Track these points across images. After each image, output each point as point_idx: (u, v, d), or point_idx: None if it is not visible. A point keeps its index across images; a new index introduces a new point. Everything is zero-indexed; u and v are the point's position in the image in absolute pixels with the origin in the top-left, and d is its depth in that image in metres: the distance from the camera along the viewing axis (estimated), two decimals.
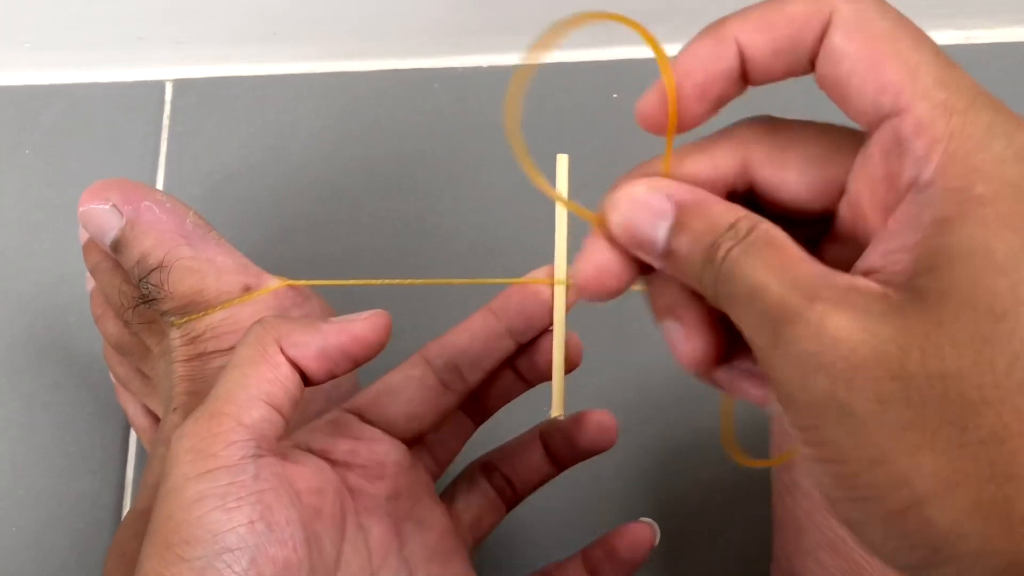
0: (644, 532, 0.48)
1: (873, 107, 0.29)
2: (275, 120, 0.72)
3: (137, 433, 0.60)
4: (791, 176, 0.32)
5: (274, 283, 0.51)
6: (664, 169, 0.34)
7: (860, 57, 0.29)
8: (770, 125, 0.34)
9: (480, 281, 0.48)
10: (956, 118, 0.28)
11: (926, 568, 0.28)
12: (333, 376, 0.41)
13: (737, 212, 0.31)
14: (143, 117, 0.73)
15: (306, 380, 0.40)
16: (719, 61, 0.32)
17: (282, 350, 0.39)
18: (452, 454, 0.48)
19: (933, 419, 0.26)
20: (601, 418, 0.47)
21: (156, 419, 0.57)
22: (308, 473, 0.40)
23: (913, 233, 0.28)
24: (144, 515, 0.38)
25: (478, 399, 0.47)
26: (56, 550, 0.63)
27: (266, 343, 0.39)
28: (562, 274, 0.44)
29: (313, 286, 0.53)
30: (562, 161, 0.44)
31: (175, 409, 0.50)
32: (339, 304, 0.55)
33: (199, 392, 0.49)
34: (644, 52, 0.71)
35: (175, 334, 0.50)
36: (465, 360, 0.43)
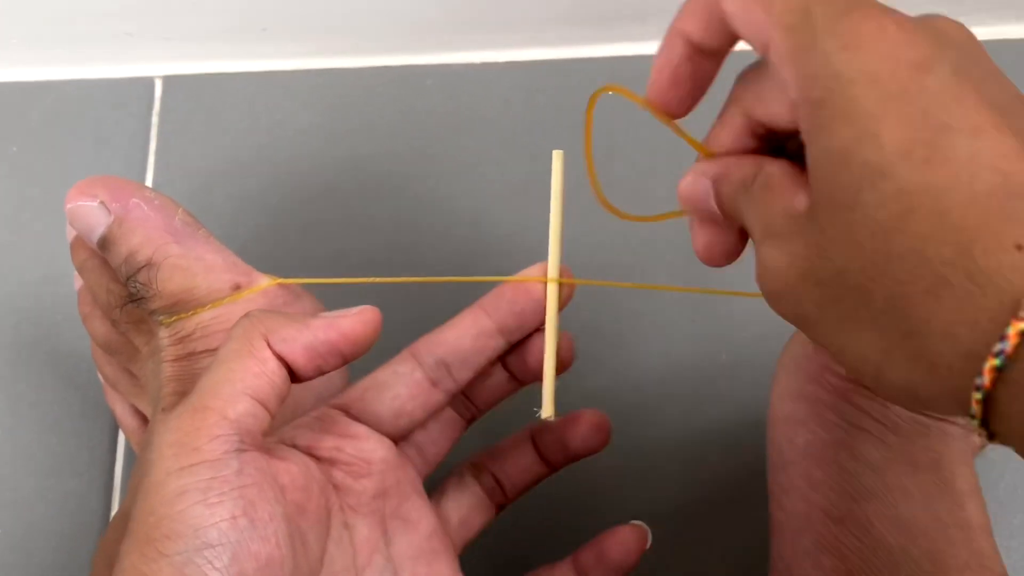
0: (636, 535, 0.48)
1: (760, 47, 0.34)
2: (265, 117, 0.72)
3: (125, 434, 0.59)
4: (774, 108, 0.35)
5: (264, 281, 0.50)
6: (702, 151, 0.40)
7: (738, 10, 0.34)
8: (751, 72, 0.37)
9: (472, 279, 0.48)
10: (796, 35, 0.31)
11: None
12: (321, 372, 0.40)
13: (743, 166, 0.37)
14: (132, 114, 0.73)
15: (294, 376, 0.40)
16: (673, 49, 0.37)
17: (269, 345, 0.39)
18: (442, 453, 0.47)
19: (851, 307, 0.31)
20: (594, 418, 0.47)
21: (144, 420, 0.57)
22: (293, 469, 0.39)
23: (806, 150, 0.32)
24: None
25: (469, 398, 0.47)
26: (42, 552, 0.62)
27: (253, 337, 0.39)
28: (555, 272, 0.43)
29: (304, 284, 0.52)
30: (557, 158, 0.44)
31: (164, 409, 0.49)
32: (330, 302, 0.54)
33: (188, 392, 0.49)
34: (639, 49, 0.71)
35: (164, 333, 0.49)
36: (454, 358, 0.43)
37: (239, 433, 0.37)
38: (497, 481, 0.48)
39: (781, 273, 0.33)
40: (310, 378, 0.40)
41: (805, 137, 0.32)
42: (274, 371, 0.38)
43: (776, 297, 0.34)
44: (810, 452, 0.48)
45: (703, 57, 0.37)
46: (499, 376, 0.46)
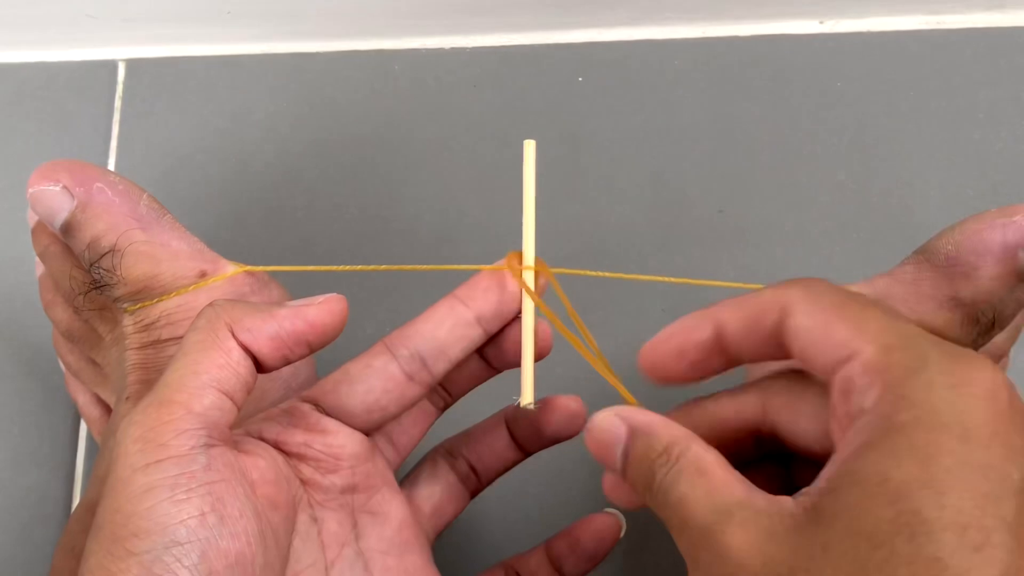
0: (609, 523, 0.48)
1: (832, 361, 0.33)
2: (230, 101, 0.71)
3: (87, 424, 0.59)
4: (803, 424, 0.36)
5: (231, 269, 0.50)
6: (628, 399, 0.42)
7: (815, 326, 0.34)
8: (790, 378, 0.38)
9: (446, 267, 0.48)
10: (896, 353, 0.32)
11: None
12: (287, 362, 0.40)
13: (672, 433, 0.36)
14: (95, 98, 0.72)
15: (259, 366, 0.39)
16: (696, 331, 0.38)
17: (234, 335, 0.38)
18: (413, 442, 0.47)
19: None
20: (569, 404, 0.46)
21: (107, 409, 0.56)
22: (262, 464, 0.39)
23: (841, 456, 0.32)
24: (95, 508, 0.36)
25: (442, 385, 0.47)
26: (3, 544, 0.62)
27: (217, 328, 0.38)
28: (530, 260, 0.43)
29: (271, 272, 0.52)
30: (529, 147, 0.44)
31: (127, 398, 0.49)
32: (298, 291, 0.53)
33: (152, 381, 0.48)
34: (609, 35, 0.70)
35: (128, 321, 0.49)
36: (430, 350, 0.42)
37: (206, 427, 0.36)
38: (471, 467, 0.47)
39: (744, 572, 0.31)
40: (276, 368, 0.40)
41: (850, 451, 0.31)
42: (239, 362, 0.38)
43: None
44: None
45: (722, 354, 0.38)
46: (473, 363, 0.46)
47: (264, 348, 0.38)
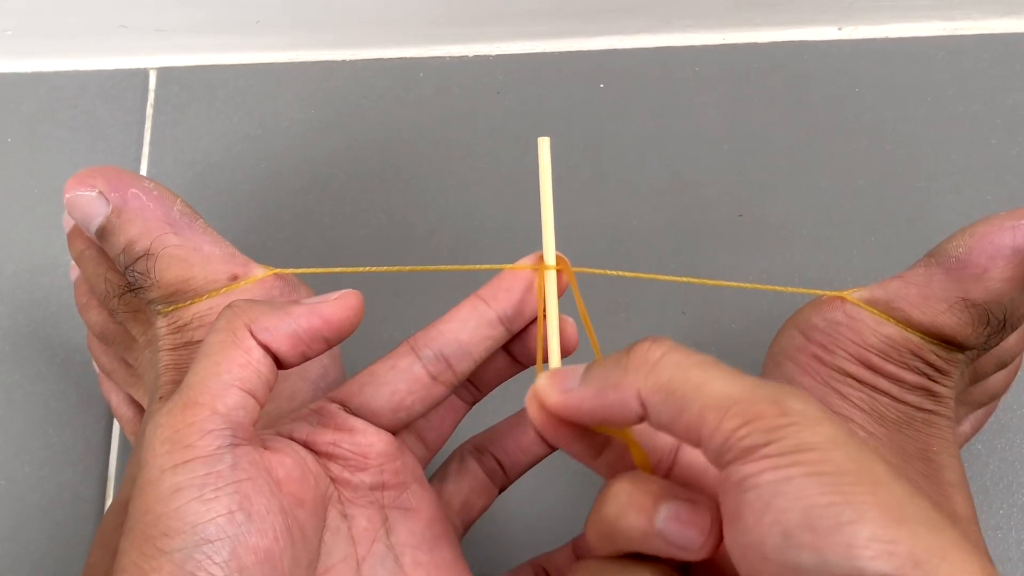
0: None
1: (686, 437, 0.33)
2: (259, 109, 0.72)
3: (120, 424, 0.59)
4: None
5: (261, 272, 0.50)
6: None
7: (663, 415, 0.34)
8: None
9: (468, 268, 0.48)
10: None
11: None
12: (306, 359, 0.40)
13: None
14: (127, 105, 0.73)
15: (279, 363, 0.40)
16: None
17: (253, 334, 0.39)
18: (443, 438, 0.47)
19: None
20: None
21: (140, 409, 0.57)
22: (288, 461, 0.39)
23: None
24: (128, 506, 0.37)
25: (470, 381, 0.47)
26: (38, 542, 0.62)
27: (236, 328, 0.39)
28: (551, 256, 0.43)
29: (300, 274, 0.53)
30: (543, 144, 0.44)
31: (160, 399, 0.49)
32: (325, 291, 0.54)
33: None
34: (629, 42, 0.71)
35: (161, 323, 0.50)
36: (453, 349, 0.43)
37: (231, 427, 0.37)
38: (498, 462, 0.48)
39: None
40: (295, 365, 0.40)
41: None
42: (260, 360, 0.38)
43: None
44: None
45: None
46: (501, 360, 0.46)
47: (283, 346, 0.39)
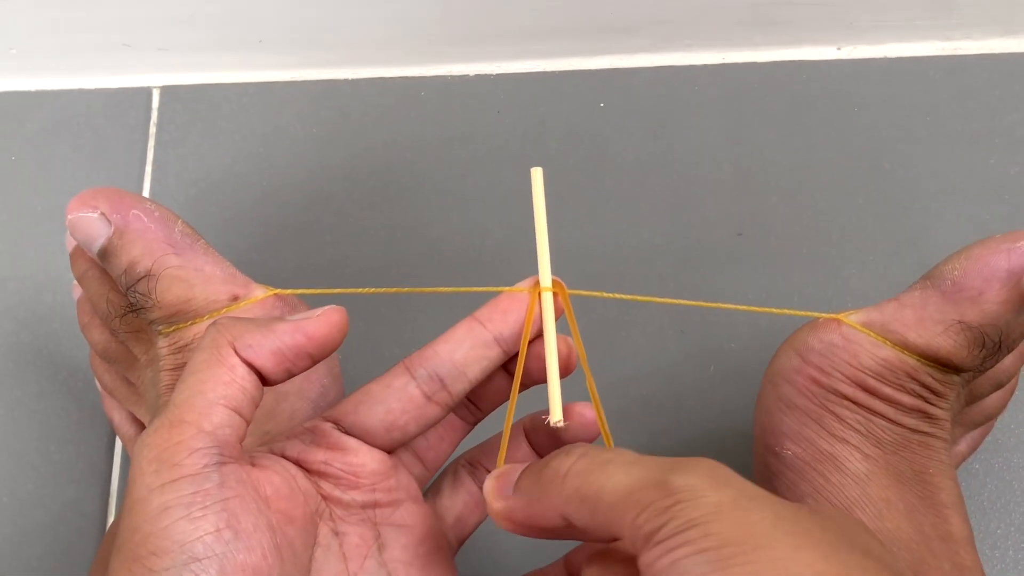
0: None
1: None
2: (261, 127, 0.72)
3: (123, 442, 0.60)
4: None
5: (261, 293, 0.50)
6: None
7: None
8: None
9: (466, 290, 0.48)
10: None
11: None
12: (291, 375, 0.40)
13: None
14: (130, 124, 0.73)
15: (264, 380, 0.40)
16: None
17: (237, 351, 0.39)
18: (442, 458, 0.48)
19: None
20: (584, 412, 0.46)
21: (142, 427, 0.57)
22: (276, 479, 0.40)
23: None
24: None
25: (470, 401, 0.47)
26: (40, 559, 0.62)
27: (220, 346, 0.39)
28: (547, 281, 0.44)
29: (300, 295, 0.53)
30: (536, 174, 0.45)
31: None
32: None
33: None
34: (630, 62, 0.71)
35: (162, 343, 0.50)
36: (448, 370, 0.43)
37: (218, 445, 0.37)
38: None
39: None
40: (281, 381, 0.40)
41: None
42: (244, 377, 0.39)
43: None
44: (795, 464, 0.49)
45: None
46: (500, 380, 0.46)
47: (267, 363, 0.39)
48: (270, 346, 0.39)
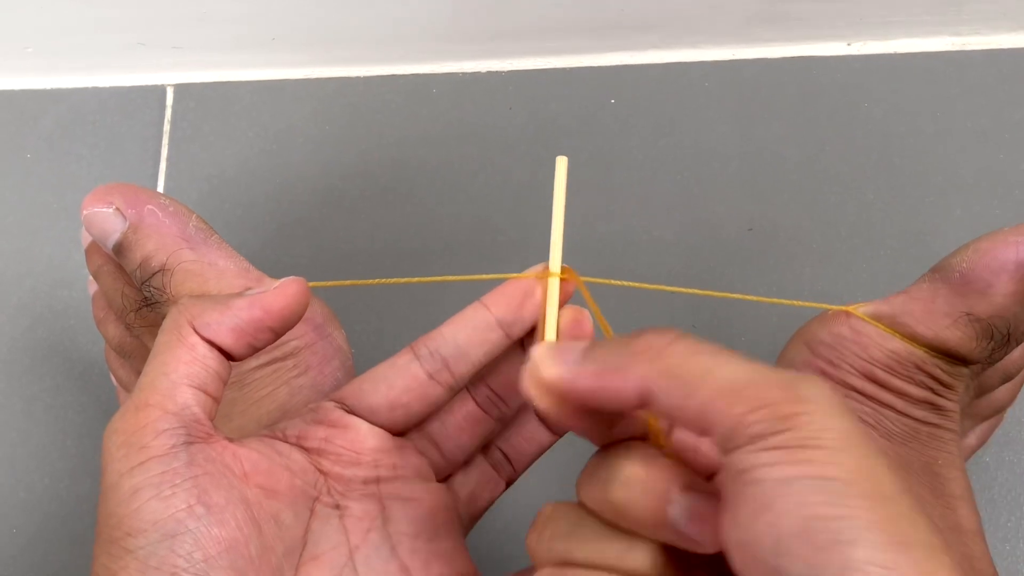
0: None
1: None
2: (274, 124, 0.73)
3: None
4: None
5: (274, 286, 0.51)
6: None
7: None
8: None
9: (475, 277, 0.48)
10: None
11: None
12: (255, 349, 0.40)
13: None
14: (144, 122, 0.74)
15: (229, 356, 0.40)
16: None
17: (196, 331, 0.39)
18: (462, 450, 0.46)
19: None
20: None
21: None
22: (253, 455, 0.40)
23: None
24: None
25: (497, 394, 0.46)
26: (56, 553, 0.63)
27: (180, 326, 0.39)
28: (556, 267, 0.44)
29: (313, 288, 0.53)
30: (561, 164, 0.44)
31: None
32: (340, 306, 0.55)
33: None
34: (640, 58, 0.72)
35: None
36: (450, 350, 0.43)
37: (184, 425, 0.37)
38: (503, 454, 0.47)
39: None
40: (246, 356, 0.40)
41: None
42: (206, 356, 0.39)
43: None
44: None
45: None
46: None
47: (227, 339, 0.39)
48: (229, 323, 0.39)
